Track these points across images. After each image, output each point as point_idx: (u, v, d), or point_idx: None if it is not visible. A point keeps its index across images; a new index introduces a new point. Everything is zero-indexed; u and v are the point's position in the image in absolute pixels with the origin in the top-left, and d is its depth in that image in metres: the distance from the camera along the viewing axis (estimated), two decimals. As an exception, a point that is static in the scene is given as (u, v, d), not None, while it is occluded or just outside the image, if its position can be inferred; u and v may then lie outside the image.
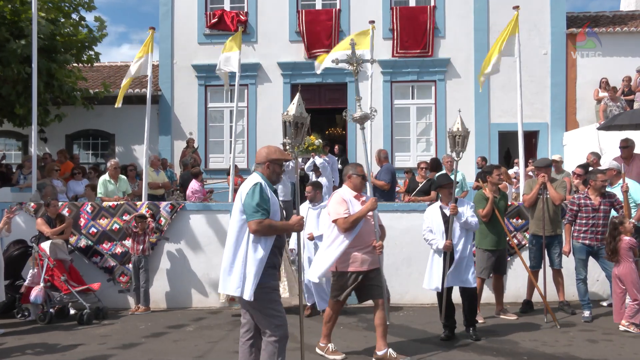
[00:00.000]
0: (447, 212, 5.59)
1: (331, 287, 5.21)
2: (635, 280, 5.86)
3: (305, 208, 6.88)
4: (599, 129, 10.87)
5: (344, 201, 5.02)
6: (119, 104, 9.03)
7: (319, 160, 9.24)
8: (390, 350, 4.97)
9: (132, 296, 7.62)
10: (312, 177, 9.31)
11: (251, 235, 3.83)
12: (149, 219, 7.58)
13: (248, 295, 3.78)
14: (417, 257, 7.47)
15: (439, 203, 5.81)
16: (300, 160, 9.18)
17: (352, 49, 5.40)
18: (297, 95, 4.41)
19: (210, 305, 7.71)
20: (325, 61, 9.27)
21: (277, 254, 3.99)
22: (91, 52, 12.91)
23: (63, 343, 5.88)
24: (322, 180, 8.99)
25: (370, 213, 5.01)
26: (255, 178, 3.98)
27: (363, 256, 5.00)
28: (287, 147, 4.34)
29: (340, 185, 10.58)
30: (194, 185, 9.88)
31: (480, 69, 8.96)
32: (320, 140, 9.39)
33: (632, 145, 7.98)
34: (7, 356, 5.46)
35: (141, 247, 7.47)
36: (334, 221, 4.97)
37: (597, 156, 9.09)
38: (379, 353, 4.97)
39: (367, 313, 6.89)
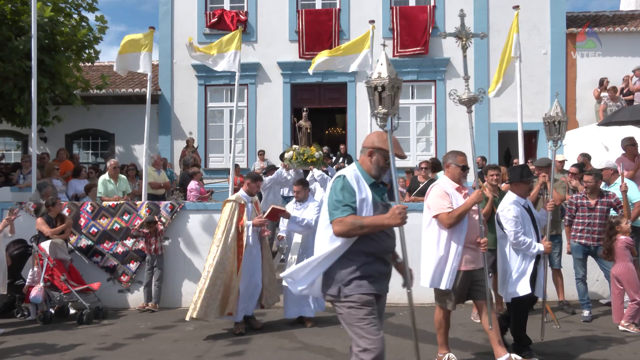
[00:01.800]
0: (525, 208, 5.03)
1: (435, 291, 4.73)
2: (633, 280, 5.86)
3: (290, 208, 6.60)
4: (599, 124, 10.88)
5: (446, 194, 4.55)
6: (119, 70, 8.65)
7: (317, 173, 8.85)
8: (514, 355, 4.64)
9: (143, 293, 7.63)
10: (316, 188, 8.94)
11: (332, 235, 3.18)
12: (158, 222, 7.63)
13: (295, 288, 3.33)
14: (418, 257, 7.45)
15: (515, 198, 5.03)
16: (292, 172, 8.99)
17: (462, 21, 4.81)
18: (384, 54, 3.63)
19: (210, 305, 7.71)
20: (321, 64, 9.20)
21: (373, 261, 3.23)
22: (90, 51, 12.91)
23: (63, 343, 5.88)
24: (320, 191, 8.79)
25: (475, 207, 4.53)
26: (346, 169, 3.36)
27: (470, 254, 4.57)
28: (379, 118, 3.56)
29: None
30: (190, 184, 9.91)
31: (492, 84, 8.70)
32: (321, 152, 8.97)
33: (637, 144, 8.00)
34: (6, 356, 5.46)
35: (153, 247, 7.52)
36: (436, 216, 4.48)
37: (587, 157, 9.09)
38: None
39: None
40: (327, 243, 3.21)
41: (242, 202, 6.18)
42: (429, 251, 4.64)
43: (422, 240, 4.72)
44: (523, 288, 4.85)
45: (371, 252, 3.21)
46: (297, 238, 6.48)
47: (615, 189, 6.77)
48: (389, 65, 3.58)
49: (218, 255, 5.98)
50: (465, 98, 4.73)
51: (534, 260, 4.89)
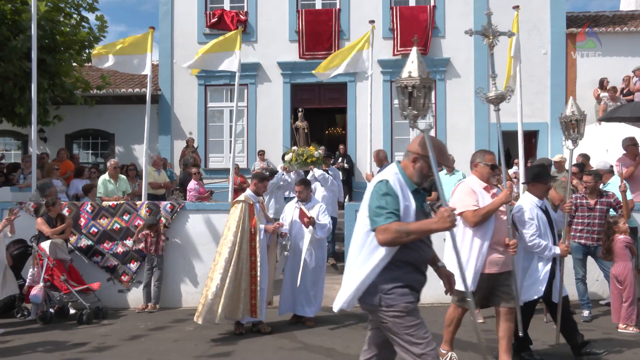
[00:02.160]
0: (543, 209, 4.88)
1: (455, 290, 4.69)
2: (633, 280, 5.87)
3: (291, 207, 6.59)
4: (599, 120, 10.88)
5: (473, 192, 4.42)
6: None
7: (318, 172, 8.76)
8: None
9: (143, 293, 7.60)
10: (316, 187, 8.87)
11: (372, 243, 3.00)
12: (160, 219, 7.63)
13: (335, 306, 3.17)
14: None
15: (532, 198, 4.85)
16: (292, 174, 8.93)
17: (488, 19, 4.76)
18: (415, 50, 3.40)
19: (210, 305, 7.71)
20: (328, 70, 9.25)
21: (412, 271, 3.07)
22: (91, 50, 12.91)
23: (63, 343, 5.88)
24: (321, 191, 8.74)
25: (503, 207, 4.42)
26: (387, 172, 3.14)
27: (495, 256, 4.42)
28: (409, 120, 3.33)
29: (343, 198, 10.52)
30: (190, 184, 9.93)
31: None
32: (321, 152, 8.88)
33: (637, 144, 8.00)
34: (6, 356, 5.46)
35: (153, 247, 7.51)
36: (461, 214, 4.34)
37: (586, 157, 9.09)
38: None
39: (366, 313, 6.88)
40: (366, 252, 3.01)
41: (251, 202, 6.16)
42: (451, 250, 4.54)
43: (446, 238, 4.60)
44: (536, 292, 4.75)
45: (410, 262, 3.05)
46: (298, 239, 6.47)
47: (609, 188, 6.79)
48: (421, 64, 3.34)
49: (235, 257, 5.88)
50: (493, 96, 4.66)
51: (549, 264, 4.75)
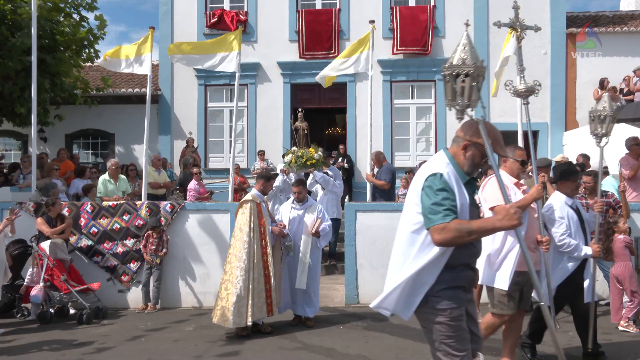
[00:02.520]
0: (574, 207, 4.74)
1: (490, 294, 4.39)
2: (632, 279, 5.87)
3: (287, 208, 6.54)
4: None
5: (505, 186, 4.43)
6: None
7: (318, 175, 8.60)
8: None
9: (141, 293, 7.60)
10: (318, 190, 8.84)
11: (423, 242, 2.77)
12: (161, 221, 7.65)
13: (374, 302, 2.91)
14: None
15: (562, 197, 4.73)
16: (292, 176, 8.84)
17: (516, 12, 4.62)
18: (466, 34, 3.04)
19: (210, 304, 7.70)
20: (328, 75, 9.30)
21: (463, 269, 2.85)
22: (90, 50, 12.91)
23: (63, 342, 5.89)
24: (322, 193, 8.68)
25: (533, 204, 4.28)
26: (437, 162, 2.87)
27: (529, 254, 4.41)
28: (457, 111, 2.98)
29: (343, 198, 10.45)
30: (190, 184, 9.93)
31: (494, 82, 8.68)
32: (320, 153, 8.73)
33: None
34: (6, 356, 5.46)
35: (154, 247, 7.52)
36: (492, 208, 4.13)
37: (586, 158, 9.09)
38: None
39: (366, 313, 6.89)
40: (416, 251, 2.78)
41: (258, 202, 6.15)
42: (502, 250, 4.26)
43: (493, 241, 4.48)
44: (557, 280, 4.61)
45: (464, 260, 2.82)
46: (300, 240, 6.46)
47: (603, 188, 6.80)
48: (473, 49, 2.97)
49: (255, 257, 5.86)
50: (522, 89, 4.53)
51: (577, 264, 4.61)
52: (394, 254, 2.91)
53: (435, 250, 2.71)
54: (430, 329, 2.81)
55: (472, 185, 2.93)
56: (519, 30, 4.62)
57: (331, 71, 9.25)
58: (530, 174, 9.57)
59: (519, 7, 4.72)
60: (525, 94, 4.55)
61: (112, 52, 8.65)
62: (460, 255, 2.78)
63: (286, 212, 6.53)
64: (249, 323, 5.79)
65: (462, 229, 2.61)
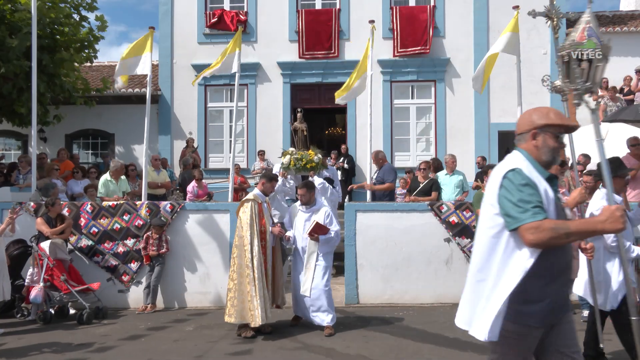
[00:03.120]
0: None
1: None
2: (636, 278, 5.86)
3: (296, 209, 6.43)
4: (602, 121, 10.85)
5: None
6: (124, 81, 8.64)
7: (317, 181, 8.22)
8: None
9: (143, 294, 7.60)
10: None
11: (507, 248, 2.47)
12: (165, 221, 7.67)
13: (479, 333, 2.49)
14: (417, 257, 7.49)
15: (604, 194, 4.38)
16: (290, 179, 8.77)
17: (551, 1, 4.49)
18: (589, 12, 2.64)
19: (209, 304, 7.71)
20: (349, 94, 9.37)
21: (556, 278, 2.50)
22: (89, 50, 12.91)
23: (63, 343, 5.88)
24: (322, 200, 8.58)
25: (575, 208, 4.06)
26: (512, 160, 2.58)
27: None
28: (576, 95, 2.73)
29: (344, 200, 10.33)
30: (189, 187, 9.93)
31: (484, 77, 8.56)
32: (320, 156, 8.62)
33: None
34: (6, 356, 5.46)
35: (155, 248, 7.52)
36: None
37: (587, 158, 9.08)
38: None
39: (366, 313, 6.90)
40: (500, 260, 2.47)
41: (260, 202, 6.14)
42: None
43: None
44: (621, 295, 4.34)
45: (558, 269, 2.49)
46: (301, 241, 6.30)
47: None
48: (598, 27, 2.64)
49: (256, 257, 5.85)
50: (561, 84, 4.20)
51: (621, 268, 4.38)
52: (475, 266, 2.58)
53: (524, 255, 2.41)
54: (500, 343, 2.51)
55: (553, 182, 2.61)
56: (555, 19, 4.43)
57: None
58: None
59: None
60: (564, 89, 4.21)
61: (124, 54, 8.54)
62: (547, 262, 2.44)
63: (295, 214, 6.41)
64: (257, 324, 5.72)
65: (559, 229, 2.33)
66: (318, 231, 6.01)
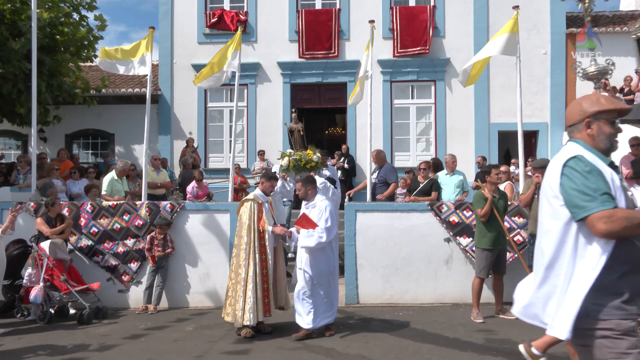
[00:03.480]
0: None
1: None
2: None
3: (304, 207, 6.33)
4: None
5: None
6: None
7: (319, 181, 7.84)
8: None
9: (144, 295, 7.59)
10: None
11: (577, 240, 2.30)
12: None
13: (560, 332, 2.28)
14: (417, 256, 7.49)
15: None
16: (290, 180, 8.71)
17: None
18: None
19: (210, 304, 7.71)
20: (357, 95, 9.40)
21: (634, 272, 2.28)
22: (90, 50, 12.91)
23: (63, 343, 5.88)
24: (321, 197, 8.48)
25: None
26: (571, 149, 2.42)
27: None
28: None
29: (343, 198, 10.26)
30: (188, 187, 9.93)
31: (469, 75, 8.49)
32: (319, 155, 8.53)
33: None
34: (6, 356, 5.46)
35: (160, 248, 7.52)
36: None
37: None
38: None
39: (366, 313, 6.90)
40: (570, 254, 2.31)
41: (260, 202, 6.12)
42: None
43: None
44: None
45: (630, 259, 2.27)
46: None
47: None
48: None
49: (252, 257, 5.86)
50: (594, 71, 4.19)
51: None
52: (541, 259, 2.43)
53: (597, 248, 2.24)
54: (593, 348, 2.28)
55: (617, 171, 2.43)
56: (587, 1, 4.38)
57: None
58: (529, 173, 9.58)
59: None
60: (598, 76, 4.17)
61: (109, 51, 8.53)
62: (630, 252, 2.26)
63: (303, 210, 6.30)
64: (247, 323, 5.76)
65: (632, 218, 2.16)
66: (304, 223, 5.74)
